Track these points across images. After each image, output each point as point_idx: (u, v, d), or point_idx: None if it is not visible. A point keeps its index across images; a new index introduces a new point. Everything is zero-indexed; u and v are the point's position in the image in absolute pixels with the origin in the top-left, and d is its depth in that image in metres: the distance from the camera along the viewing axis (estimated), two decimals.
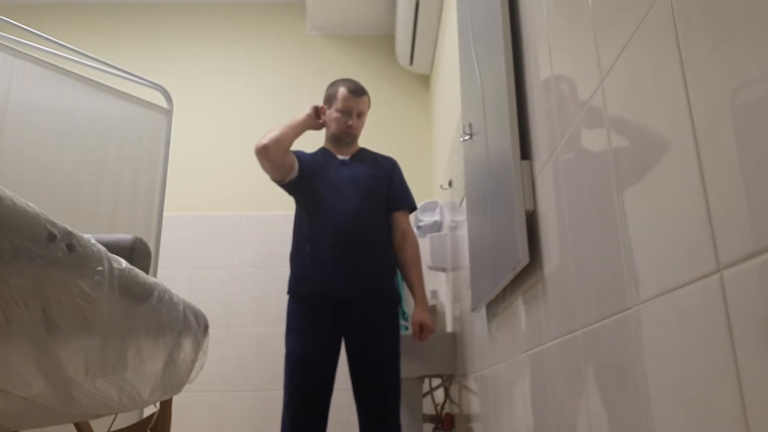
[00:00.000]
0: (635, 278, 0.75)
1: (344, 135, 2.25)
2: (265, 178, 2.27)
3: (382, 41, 3.79)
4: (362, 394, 2.02)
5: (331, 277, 2.06)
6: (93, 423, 1.49)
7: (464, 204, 2.09)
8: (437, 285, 2.93)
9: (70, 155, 2.20)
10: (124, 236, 1.31)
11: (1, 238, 0.66)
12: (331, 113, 2.25)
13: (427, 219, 2.82)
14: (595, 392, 0.88)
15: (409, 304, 2.84)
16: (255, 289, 3.24)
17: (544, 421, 1.16)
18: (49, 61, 2.23)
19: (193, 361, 1.40)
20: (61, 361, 0.79)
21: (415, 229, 2.66)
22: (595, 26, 0.87)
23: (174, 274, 3.21)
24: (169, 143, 2.57)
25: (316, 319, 2.04)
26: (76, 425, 1.41)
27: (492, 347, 1.67)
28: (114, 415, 1.43)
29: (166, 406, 1.59)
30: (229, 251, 3.31)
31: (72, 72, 2.27)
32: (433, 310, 2.63)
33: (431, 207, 2.87)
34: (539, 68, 1.17)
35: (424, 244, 2.65)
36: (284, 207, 3.17)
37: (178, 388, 1.36)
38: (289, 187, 2.22)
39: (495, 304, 1.62)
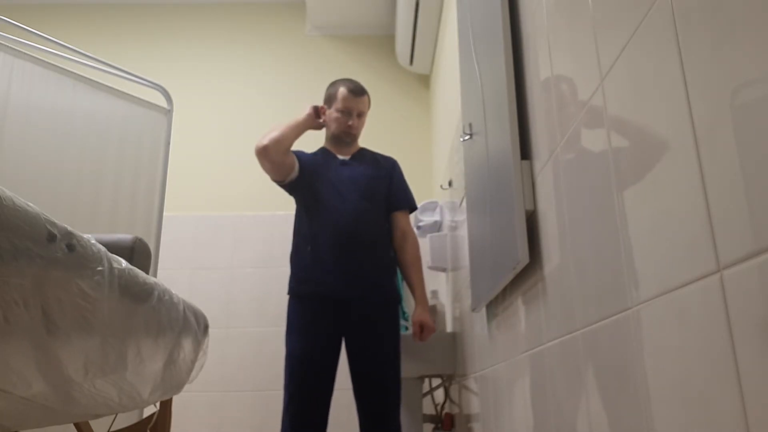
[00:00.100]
0: (635, 278, 0.75)
1: (344, 135, 2.25)
2: (265, 178, 2.27)
3: (382, 41, 3.79)
4: (362, 394, 2.02)
5: (332, 277, 2.06)
6: (93, 423, 1.49)
7: (464, 204, 2.09)
8: (437, 285, 2.93)
9: (70, 155, 2.20)
10: (124, 236, 1.31)
11: (1, 238, 0.66)
12: (331, 113, 2.25)
13: (427, 219, 2.82)
14: (595, 392, 0.88)
15: (409, 304, 2.84)
16: (255, 289, 3.24)
17: (544, 421, 1.16)
18: (49, 61, 2.23)
19: (193, 361, 1.40)
20: (61, 361, 0.79)
21: (415, 229, 2.66)
22: (595, 26, 0.87)
23: (174, 274, 3.21)
24: (169, 143, 2.57)
25: (317, 320, 2.04)
26: (76, 425, 1.41)
27: (492, 347, 1.67)
28: (114, 415, 1.43)
29: (166, 406, 1.59)
30: (229, 251, 3.31)
31: (72, 72, 2.27)
32: (433, 310, 2.63)
33: (431, 207, 2.87)
34: (539, 68, 1.17)
35: (424, 244, 2.65)
36: (284, 207, 3.17)
37: (178, 388, 1.36)
38: (290, 187, 2.22)
39: (495, 304, 1.62)
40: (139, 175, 2.43)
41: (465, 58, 1.88)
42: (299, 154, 2.23)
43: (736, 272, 0.54)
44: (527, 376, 1.29)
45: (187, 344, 1.32)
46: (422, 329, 2.14)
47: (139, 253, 1.30)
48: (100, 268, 0.87)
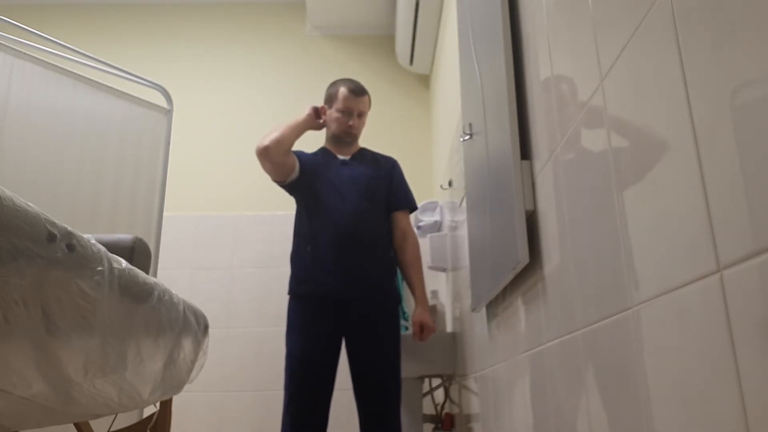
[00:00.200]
0: (635, 278, 0.75)
1: (345, 135, 2.25)
2: (265, 178, 2.27)
3: (382, 41, 3.79)
4: (362, 394, 2.02)
5: (332, 277, 2.06)
6: (93, 423, 1.49)
7: (464, 204, 2.09)
8: (437, 285, 2.93)
9: (70, 155, 2.20)
10: (124, 236, 1.31)
11: (1, 238, 0.66)
12: (332, 113, 2.25)
13: (427, 219, 2.82)
14: (595, 392, 0.88)
15: (409, 304, 2.84)
16: (255, 289, 3.24)
17: (544, 421, 1.16)
18: (49, 61, 2.23)
19: (193, 361, 1.40)
20: (61, 361, 0.79)
21: (415, 229, 2.66)
22: (595, 26, 0.87)
23: (174, 274, 3.21)
24: (169, 143, 2.57)
25: (317, 320, 2.04)
26: (76, 425, 1.41)
27: (492, 347, 1.67)
28: (114, 415, 1.43)
29: (166, 406, 1.59)
30: (229, 251, 3.31)
31: (72, 72, 2.27)
32: (433, 310, 2.63)
33: (431, 207, 2.87)
34: (539, 68, 1.17)
35: (424, 244, 2.65)
36: (284, 207, 3.17)
37: (178, 388, 1.36)
38: (290, 187, 2.22)
39: (495, 304, 1.62)
40: (139, 175, 2.43)
41: (465, 58, 1.88)
42: (300, 155, 2.23)
43: (736, 272, 0.54)
44: (527, 376, 1.29)
45: (187, 344, 1.32)
46: (422, 329, 2.14)
47: (139, 253, 1.30)
48: (100, 268, 0.87)
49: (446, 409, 2.61)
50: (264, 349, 3.13)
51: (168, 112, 2.60)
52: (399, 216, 2.26)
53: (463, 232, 2.12)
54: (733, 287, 0.54)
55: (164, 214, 2.62)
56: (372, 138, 3.26)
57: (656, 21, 0.69)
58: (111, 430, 1.53)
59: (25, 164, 2.05)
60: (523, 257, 1.18)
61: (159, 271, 2.84)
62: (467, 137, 1.79)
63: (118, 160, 2.36)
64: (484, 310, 1.78)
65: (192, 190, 3.41)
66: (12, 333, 0.68)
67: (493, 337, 1.65)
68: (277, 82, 3.67)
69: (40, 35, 2.19)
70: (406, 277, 2.23)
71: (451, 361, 2.41)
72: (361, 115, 2.27)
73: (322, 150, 2.30)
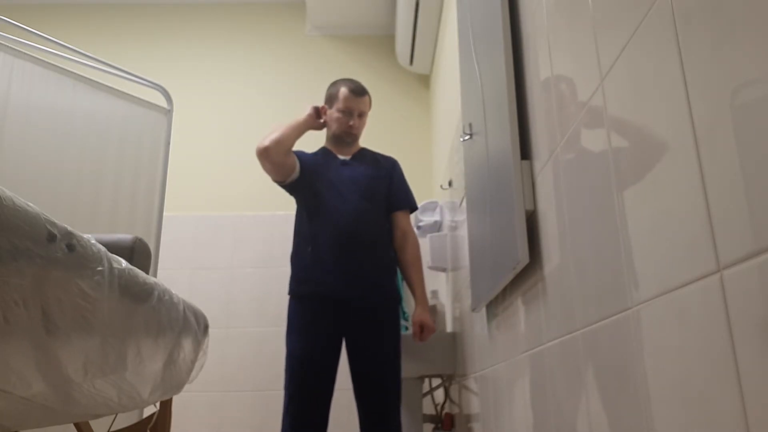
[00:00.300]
0: (635, 278, 0.75)
1: (345, 135, 2.25)
2: (265, 178, 2.27)
3: (382, 41, 3.79)
4: (362, 394, 2.02)
5: (332, 278, 2.06)
6: (93, 423, 1.49)
7: (464, 204, 2.09)
8: (437, 285, 2.93)
9: (70, 155, 2.20)
10: (124, 236, 1.31)
11: (1, 238, 0.66)
12: (332, 113, 2.25)
13: (427, 219, 2.82)
14: (595, 392, 0.88)
15: (409, 304, 2.84)
16: (255, 289, 3.24)
17: (544, 421, 1.16)
18: (49, 61, 2.23)
19: (193, 361, 1.40)
20: (61, 362, 0.79)
21: (415, 229, 2.66)
22: (595, 26, 0.87)
23: (174, 274, 3.21)
24: (169, 143, 2.57)
25: (317, 320, 2.04)
26: (76, 425, 1.41)
27: (492, 347, 1.67)
28: (114, 415, 1.43)
29: (166, 406, 1.59)
30: (229, 251, 3.31)
31: (72, 72, 2.27)
32: (433, 310, 2.63)
33: (431, 207, 2.87)
34: (539, 68, 1.17)
35: (424, 244, 2.65)
36: (284, 207, 3.17)
37: (178, 388, 1.36)
38: (290, 187, 2.22)
39: (495, 304, 1.62)
40: (139, 175, 2.43)
41: (465, 58, 1.88)
42: (300, 155, 2.23)
43: (736, 272, 0.54)
44: (527, 376, 1.29)
45: (187, 344, 1.32)
46: (422, 329, 2.14)
47: (139, 253, 1.30)
48: (100, 268, 0.87)
49: (446, 409, 2.61)
50: (264, 349, 3.13)
51: (168, 112, 2.60)
52: (399, 216, 2.26)
53: (463, 232, 2.11)
54: (733, 287, 0.54)
55: (164, 214, 2.62)
56: (372, 138, 3.26)
57: (656, 21, 0.69)
58: (111, 430, 1.53)
59: (25, 164, 2.05)
60: (523, 257, 1.18)
61: (159, 271, 2.84)
62: (467, 137, 1.79)
63: (118, 160, 2.36)
64: (484, 310, 1.78)
65: (192, 190, 3.41)
66: (12, 333, 0.68)
67: (493, 337, 1.65)
68: (277, 82, 3.67)
69: (40, 35, 2.19)
70: (406, 277, 2.23)
71: (451, 361, 2.41)
72: (362, 115, 2.27)
73: (323, 150, 2.30)
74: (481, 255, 1.58)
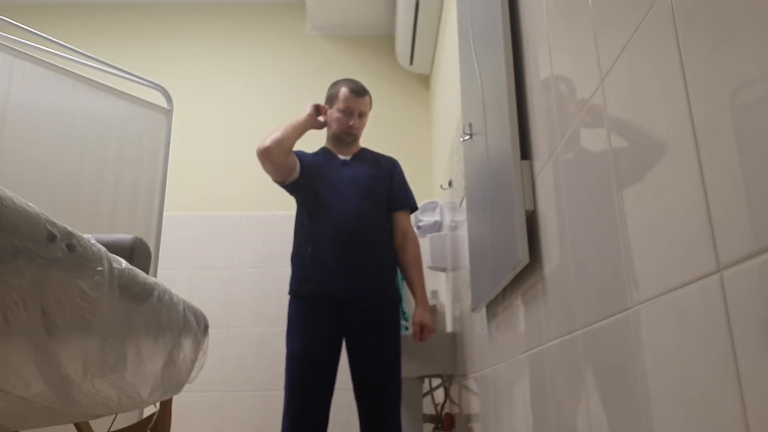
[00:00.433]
0: (635, 278, 0.75)
1: (345, 135, 2.25)
2: (265, 178, 2.27)
3: (382, 41, 3.79)
4: (363, 394, 2.02)
5: (332, 277, 2.06)
6: (93, 423, 1.49)
7: (464, 204, 2.09)
8: (437, 285, 2.93)
9: (70, 155, 2.20)
10: (124, 236, 1.31)
11: (1, 238, 0.66)
12: (333, 113, 2.25)
13: (427, 219, 2.82)
14: (595, 392, 0.88)
15: (409, 304, 2.84)
16: (255, 289, 3.24)
17: (544, 421, 1.16)
18: (49, 61, 2.23)
19: (193, 361, 1.40)
20: (61, 362, 0.79)
21: (415, 229, 2.66)
22: (595, 26, 0.87)
23: (174, 274, 3.21)
24: (169, 143, 2.57)
25: (317, 320, 2.04)
26: (76, 425, 1.41)
27: (492, 347, 1.67)
28: (114, 415, 1.43)
29: (166, 406, 1.59)
30: (229, 251, 3.31)
31: (72, 72, 2.27)
32: (433, 310, 2.63)
33: (431, 207, 2.87)
34: (539, 68, 1.17)
35: (424, 244, 2.65)
36: (284, 207, 3.17)
37: (178, 388, 1.36)
38: (291, 187, 2.22)
39: (495, 304, 1.62)
40: (139, 175, 2.43)
41: (465, 58, 1.88)
42: (300, 155, 2.23)
43: (736, 272, 0.54)
44: (527, 376, 1.29)
45: (187, 344, 1.32)
46: (422, 329, 2.14)
47: (139, 253, 1.30)
48: (100, 268, 0.87)
49: (446, 409, 2.61)
50: (264, 349, 3.13)
51: (168, 112, 2.60)
52: (399, 216, 2.26)
53: (463, 232, 2.11)
54: (733, 287, 0.54)
55: (164, 214, 2.62)
56: (372, 138, 3.25)
57: (656, 21, 0.69)
58: (111, 430, 1.53)
59: (25, 164, 2.05)
60: (523, 257, 1.18)
61: (159, 271, 2.84)
62: (467, 137, 1.79)
63: (118, 160, 2.36)
64: (484, 310, 1.78)
65: (192, 190, 3.41)
66: (11, 333, 0.68)
67: (493, 337, 1.65)
68: (277, 82, 3.67)
69: (40, 35, 2.19)
70: (406, 278, 2.23)
71: (451, 361, 2.40)
72: (362, 115, 2.27)
73: (323, 150, 2.30)
74: (481, 255, 1.58)
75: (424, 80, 3.71)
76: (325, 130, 2.34)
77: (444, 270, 2.72)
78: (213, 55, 3.71)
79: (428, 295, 2.53)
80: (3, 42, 2.07)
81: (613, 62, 0.81)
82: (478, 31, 1.64)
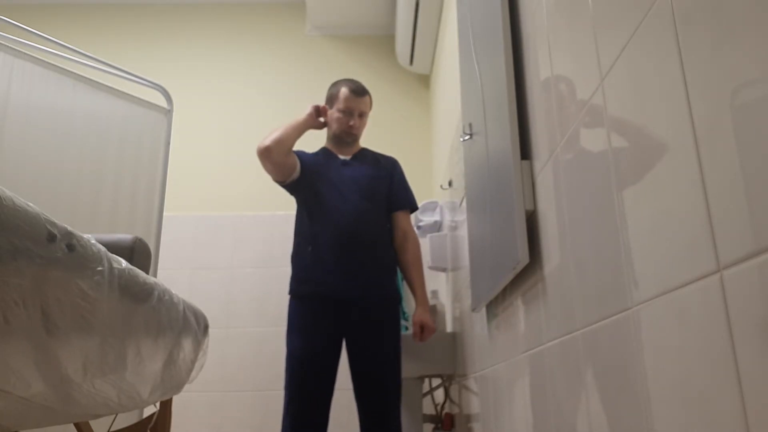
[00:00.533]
0: (635, 278, 0.75)
1: (345, 135, 2.25)
2: (265, 178, 2.27)
3: (382, 41, 3.79)
4: (363, 394, 2.02)
5: (332, 277, 2.06)
6: (93, 423, 1.49)
7: (464, 204, 2.09)
8: (437, 285, 2.93)
9: (70, 155, 2.20)
10: (124, 236, 1.31)
11: (1, 238, 0.66)
12: (333, 113, 2.25)
13: (427, 219, 2.82)
14: (595, 392, 0.88)
15: (409, 304, 2.84)
16: (255, 289, 3.24)
17: (544, 421, 1.16)
18: (49, 61, 2.23)
19: (193, 361, 1.40)
20: (60, 362, 0.79)
21: (415, 229, 2.66)
22: (595, 26, 0.87)
23: (174, 274, 3.21)
24: (169, 143, 2.57)
25: (317, 320, 2.04)
26: (76, 425, 1.41)
27: (492, 347, 1.67)
28: (114, 415, 1.43)
29: (166, 406, 1.59)
30: (229, 251, 3.31)
31: (72, 72, 2.27)
32: (433, 310, 2.63)
33: (431, 207, 2.87)
34: (539, 68, 1.17)
35: (424, 244, 2.65)
36: (284, 207, 3.17)
37: (178, 388, 1.36)
38: (291, 187, 2.22)
39: (495, 304, 1.62)
40: (139, 175, 2.43)
41: (465, 58, 1.88)
42: (300, 155, 2.23)
43: (736, 272, 0.54)
44: (527, 376, 1.29)
45: (187, 344, 1.32)
46: (423, 329, 2.14)
47: (139, 253, 1.30)
48: (100, 268, 0.87)
49: (446, 409, 2.61)
50: (264, 349, 3.13)
51: (168, 112, 2.60)
52: (400, 216, 2.26)
53: (463, 232, 2.11)
54: (733, 287, 0.54)
55: (164, 214, 2.62)
56: (372, 138, 3.25)
57: (656, 21, 0.69)
58: (111, 430, 1.53)
59: (25, 164, 2.05)
60: (523, 257, 1.18)
61: (159, 271, 2.84)
62: (467, 137, 1.79)
63: (118, 160, 2.36)
64: (484, 310, 1.78)
65: (192, 190, 3.41)
66: (11, 333, 0.68)
67: (493, 337, 1.65)
68: (277, 82, 3.67)
69: (40, 35, 2.19)
70: (406, 277, 2.23)
71: (451, 361, 2.40)
72: (362, 116, 2.27)
73: (323, 150, 2.30)
74: (481, 255, 1.58)
75: (424, 80, 3.71)
76: (325, 130, 2.34)
77: (444, 270, 2.72)
78: (213, 55, 3.71)
79: (428, 295, 2.54)
80: (3, 42, 2.07)
81: (613, 62, 0.81)
82: (478, 31, 1.64)
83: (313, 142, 2.52)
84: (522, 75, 1.30)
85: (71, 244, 0.80)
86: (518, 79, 1.31)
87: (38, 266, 0.72)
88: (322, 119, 2.27)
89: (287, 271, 2.25)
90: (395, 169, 2.32)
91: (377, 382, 2.01)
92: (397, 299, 2.15)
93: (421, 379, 2.52)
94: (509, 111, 1.26)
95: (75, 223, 1.79)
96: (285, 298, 2.21)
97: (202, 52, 3.72)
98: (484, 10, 1.53)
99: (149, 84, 2.55)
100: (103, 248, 0.90)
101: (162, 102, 2.62)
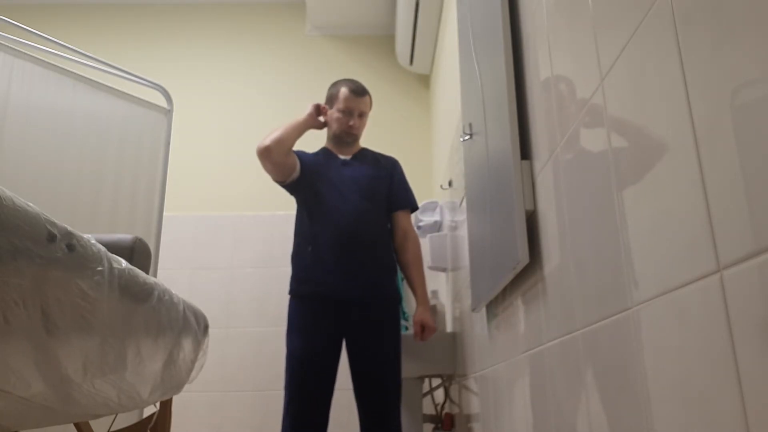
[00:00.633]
0: (635, 278, 0.75)
1: (345, 135, 2.25)
2: (265, 178, 2.27)
3: (382, 41, 3.79)
4: (363, 394, 2.02)
5: (332, 277, 2.06)
6: (93, 423, 1.49)
7: (464, 204, 2.09)
8: (437, 285, 2.93)
9: (70, 155, 2.20)
10: (124, 236, 1.31)
11: (1, 238, 0.66)
12: (333, 113, 2.25)
13: (427, 219, 2.82)
14: (595, 392, 0.88)
15: (409, 303, 2.84)
16: (255, 289, 3.24)
17: (544, 421, 1.16)
18: (49, 61, 2.23)
19: (193, 361, 1.40)
20: (60, 362, 0.79)
21: (415, 229, 2.66)
22: (595, 26, 0.87)
23: (174, 274, 3.21)
24: (169, 143, 2.57)
25: (317, 320, 2.04)
26: (76, 425, 1.41)
27: (492, 347, 1.67)
28: (114, 415, 1.43)
29: (166, 406, 1.59)
30: (229, 251, 3.31)
31: (72, 72, 2.27)
32: (434, 310, 2.63)
33: (431, 207, 2.87)
34: (539, 68, 1.17)
35: (424, 244, 2.65)
36: (284, 207, 3.17)
37: (178, 388, 1.36)
38: (291, 187, 2.22)
39: (495, 304, 1.62)
40: (139, 175, 2.43)
41: (465, 58, 1.88)
42: (300, 155, 2.23)
43: (736, 272, 0.54)
44: (527, 376, 1.29)
45: (187, 344, 1.32)
46: (423, 329, 2.14)
47: (139, 253, 1.30)
48: (100, 268, 0.87)
49: (446, 409, 2.61)
50: (264, 349, 3.13)
51: (168, 112, 2.60)
52: (400, 216, 2.26)
53: (463, 232, 2.11)
54: (733, 287, 0.54)
55: (164, 214, 2.62)
56: (372, 138, 3.25)
57: (656, 21, 0.69)
58: (111, 430, 1.53)
59: (25, 164, 2.05)
60: (523, 257, 1.18)
61: (159, 271, 2.84)
62: (467, 137, 1.79)
63: (118, 160, 2.36)
64: (484, 310, 1.78)
65: (192, 190, 3.41)
66: (11, 333, 0.68)
67: (493, 337, 1.65)
68: (277, 82, 3.67)
69: (40, 35, 2.19)
70: (407, 277, 2.23)
71: (451, 361, 2.40)
72: (362, 115, 2.27)
73: (323, 150, 2.30)
74: (481, 255, 1.58)
75: (424, 80, 3.71)
76: (325, 130, 2.34)
77: (444, 270, 2.72)
78: (213, 55, 3.71)
79: (428, 294, 2.54)
80: (3, 42, 2.07)
81: (613, 62, 0.81)
82: (478, 31, 1.64)
83: (313, 142, 2.52)
84: (522, 75, 1.30)
85: (71, 244, 0.80)
86: (518, 79, 1.31)
87: (38, 266, 0.72)
88: (322, 119, 2.27)
89: (287, 271, 2.25)
90: (395, 168, 2.32)
91: (377, 382, 2.01)
92: (397, 299, 2.15)
93: (421, 379, 2.52)
94: (509, 111, 1.26)
95: (75, 223, 1.79)
96: (285, 298, 2.21)
97: (202, 52, 3.72)
98: (484, 10, 1.53)
99: (149, 84, 2.55)
100: (103, 248, 0.90)
101: (162, 102, 2.62)
